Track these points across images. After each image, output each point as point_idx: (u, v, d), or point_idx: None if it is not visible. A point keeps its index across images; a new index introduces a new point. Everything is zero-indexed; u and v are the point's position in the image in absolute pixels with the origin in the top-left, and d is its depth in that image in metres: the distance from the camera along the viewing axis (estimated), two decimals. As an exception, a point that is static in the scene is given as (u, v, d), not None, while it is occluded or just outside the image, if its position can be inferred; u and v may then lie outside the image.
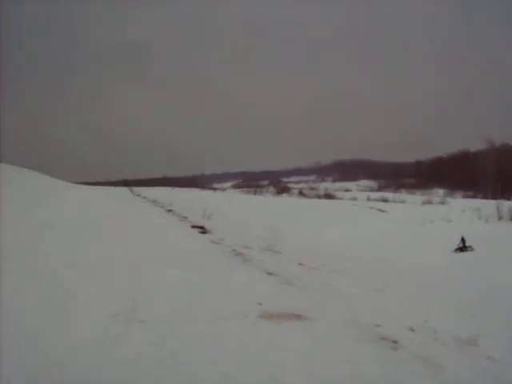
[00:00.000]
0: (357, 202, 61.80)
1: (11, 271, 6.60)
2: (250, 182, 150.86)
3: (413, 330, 5.56)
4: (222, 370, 3.92)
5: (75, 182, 43.43)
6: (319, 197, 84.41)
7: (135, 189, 42.26)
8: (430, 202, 60.13)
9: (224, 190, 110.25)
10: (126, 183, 62.23)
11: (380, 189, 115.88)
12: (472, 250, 20.79)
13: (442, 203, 59.04)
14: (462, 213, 40.90)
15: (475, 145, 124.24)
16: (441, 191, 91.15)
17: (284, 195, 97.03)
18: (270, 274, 8.33)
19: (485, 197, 70.60)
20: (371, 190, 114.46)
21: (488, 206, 41.11)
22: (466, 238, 21.34)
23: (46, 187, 26.00)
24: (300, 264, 10.15)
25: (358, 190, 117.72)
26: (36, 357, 3.93)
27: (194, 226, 14.40)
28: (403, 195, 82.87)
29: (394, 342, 5.03)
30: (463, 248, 21.01)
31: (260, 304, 5.95)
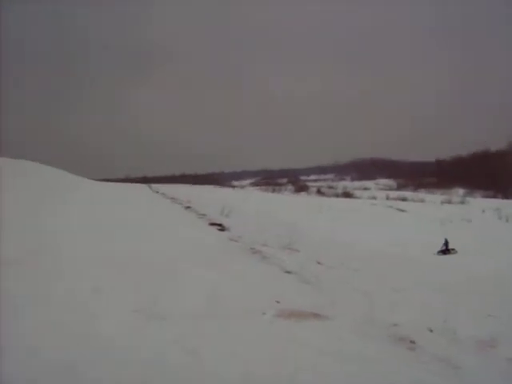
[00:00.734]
0: (376, 200, 61.44)
1: (37, 266, 6.68)
2: (268, 180, 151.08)
3: (431, 331, 5.55)
4: (241, 366, 3.95)
5: (95, 179, 43.67)
6: (337, 195, 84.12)
7: (154, 186, 42.43)
8: (449, 202, 59.57)
9: (243, 187, 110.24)
10: (145, 180, 62.62)
11: (399, 188, 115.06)
12: (455, 252, 20.58)
13: (462, 203, 58.47)
14: (482, 213, 40.46)
15: (496, 144, 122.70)
16: (461, 191, 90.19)
17: (302, 193, 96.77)
18: (288, 272, 8.35)
19: (505, 197, 69.94)
20: (390, 188, 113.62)
21: (508, 206, 40.70)
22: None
23: (66, 183, 26.25)
24: (318, 263, 10.15)
25: (377, 188, 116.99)
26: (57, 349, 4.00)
27: (212, 224, 14.45)
28: (422, 194, 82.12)
29: (412, 341, 5.03)
30: (445, 251, 20.78)
31: (278, 302, 5.97)
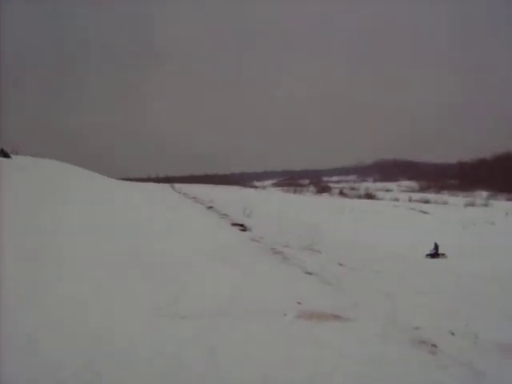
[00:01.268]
0: (398, 202, 60.92)
1: (55, 261, 6.77)
2: (290, 180, 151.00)
3: (453, 334, 5.52)
4: (261, 367, 3.97)
5: (118, 179, 43.85)
6: (360, 197, 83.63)
7: (177, 186, 42.55)
8: (473, 204, 58.88)
9: (264, 188, 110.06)
10: (167, 180, 62.91)
11: (422, 190, 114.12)
12: (445, 257, 20.02)
13: (486, 205, 57.70)
14: (506, 216, 39.90)
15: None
16: (484, 193, 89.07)
17: (324, 195, 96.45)
18: (309, 273, 8.35)
19: (529, 200, 68.95)
20: (413, 190, 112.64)
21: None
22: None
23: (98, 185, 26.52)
24: (340, 264, 10.13)
25: (400, 190, 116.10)
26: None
27: (234, 224, 14.49)
28: (445, 196, 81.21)
29: (433, 345, 5.01)
30: (435, 255, 20.23)
31: (299, 303, 5.99)
